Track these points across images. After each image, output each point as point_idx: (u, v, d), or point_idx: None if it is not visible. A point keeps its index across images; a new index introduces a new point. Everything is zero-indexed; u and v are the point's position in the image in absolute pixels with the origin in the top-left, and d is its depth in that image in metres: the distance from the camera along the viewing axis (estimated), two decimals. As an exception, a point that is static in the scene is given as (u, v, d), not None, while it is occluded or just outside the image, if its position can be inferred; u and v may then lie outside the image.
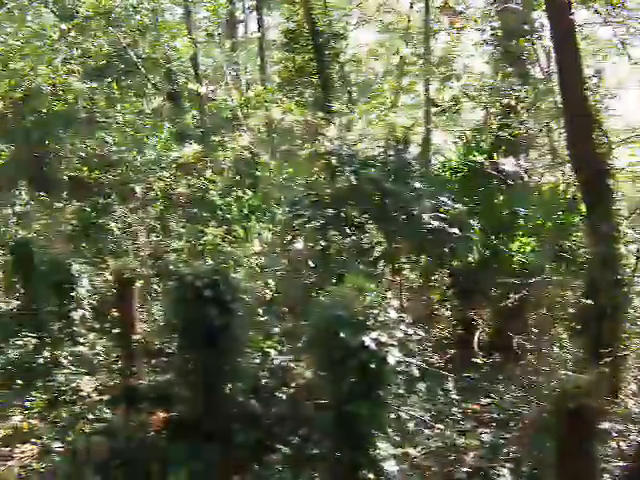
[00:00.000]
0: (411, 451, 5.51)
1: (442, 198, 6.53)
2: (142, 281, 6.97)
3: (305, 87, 16.77)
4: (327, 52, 16.15)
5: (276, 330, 6.60)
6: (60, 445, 6.08)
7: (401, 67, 17.59)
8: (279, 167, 10.63)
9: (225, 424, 5.53)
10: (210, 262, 6.84)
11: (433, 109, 14.03)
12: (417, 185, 6.34)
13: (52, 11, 17.93)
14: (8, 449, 6.19)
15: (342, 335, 4.05)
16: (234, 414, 5.66)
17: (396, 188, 5.90)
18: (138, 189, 10.60)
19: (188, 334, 5.41)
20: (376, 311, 4.22)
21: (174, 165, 11.14)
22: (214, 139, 12.63)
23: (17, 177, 13.23)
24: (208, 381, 5.48)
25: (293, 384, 6.35)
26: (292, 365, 6.45)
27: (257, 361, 6.35)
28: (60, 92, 15.18)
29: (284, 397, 6.12)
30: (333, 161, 7.03)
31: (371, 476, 4.51)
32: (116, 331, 7.38)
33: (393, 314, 4.30)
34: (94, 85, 16.73)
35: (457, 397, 6.47)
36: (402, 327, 4.40)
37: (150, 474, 5.35)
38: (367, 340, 4.08)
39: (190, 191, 10.47)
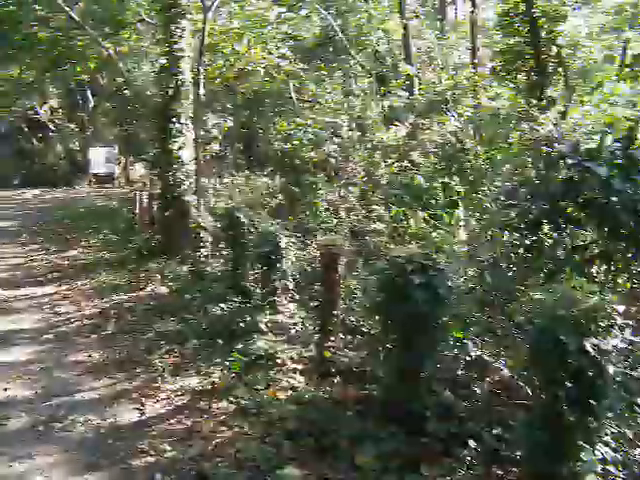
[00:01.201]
0: (612, 470, 5.10)
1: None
2: (345, 259, 7.04)
3: (519, 72, 16.16)
4: (544, 35, 15.40)
5: (476, 321, 6.42)
6: (253, 406, 6.33)
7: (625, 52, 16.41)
8: (488, 154, 10.32)
9: (418, 410, 5.44)
10: (414, 246, 6.77)
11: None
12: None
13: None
14: (206, 404, 6.56)
15: (562, 337, 3.80)
16: (427, 401, 5.54)
17: (624, 185, 5.44)
18: (344, 169, 10.79)
19: (392, 316, 5.39)
20: (599, 314, 3.91)
21: (380, 146, 11.21)
22: (421, 122, 12.54)
23: (229, 151, 14.07)
24: (406, 365, 5.42)
25: (489, 379, 6.15)
26: (489, 359, 6.24)
27: (454, 351, 6.20)
28: (272, 73, 15.84)
29: (479, 392, 5.93)
30: (550, 151, 6.68)
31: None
32: (316, 304, 7.58)
33: (618, 320, 3.96)
34: (305, 66, 17.30)
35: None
36: (626, 334, 4.05)
37: (337, 448, 5.39)
38: (587, 345, 3.80)
39: (395, 173, 10.49)
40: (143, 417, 6.48)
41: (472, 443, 5.14)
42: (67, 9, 15.60)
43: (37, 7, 16.31)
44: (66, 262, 14.46)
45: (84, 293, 11.41)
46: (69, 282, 12.46)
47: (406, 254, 5.33)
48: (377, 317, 5.99)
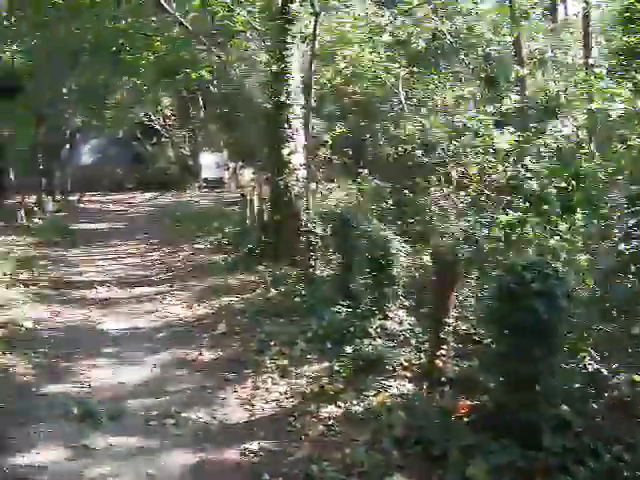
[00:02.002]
0: None
1: None
2: (458, 265, 6.90)
3: (638, 71, 15.39)
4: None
5: (596, 333, 6.13)
6: (361, 412, 6.30)
7: None
8: (606, 159, 9.87)
9: (532, 423, 5.25)
10: (529, 253, 6.57)
11: None
12: None
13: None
14: (315, 407, 6.57)
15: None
16: (543, 415, 5.34)
17: None
18: (454, 173, 10.61)
19: (508, 325, 5.22)
20: None
21: (491, 150, 10.94)
22: (534, 125, 12.17)
23: (339, 156, 14.17)
24: (521, 376, 5.24)
25: (607, 394, 5.86)
26: (608, 374, 5.95)
27: (571, 364, 5.95)
28: (381, 76, 15.81)
29: (597, 407, 5.66)
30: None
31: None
32: (426, 311, 7.48)
33: None
34: (414, 69, 17.18)
35: None
36: None
37: (447, 459, 5.28)
38: None
39: (506, 178, 10.22)
40: (252, 417, 6.58)
41: (590, 461, 4.91)
42: (180, 19, 16.13)
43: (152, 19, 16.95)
44: (178, 263, 14.96)
45: (196, 293, 11.74)
46: (181, 282, 12.87)
47: (524, 261, 5.16)
48: (492, 325, 5.82)
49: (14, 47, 23.41)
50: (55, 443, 6.02)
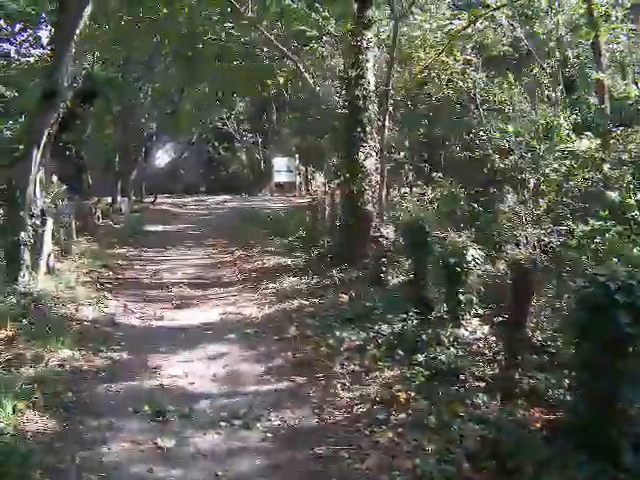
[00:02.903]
0: None
1: None
2: (536, 275, 6.72)
3: None
4: None
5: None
6: (433, 421, 6.17)
7: None
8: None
9: (612, 440, 5.04)
10: (611, 264, 6.32)
11: None
12: None
13: (453, 4, 18.48)
14: (385, 415, 6.48)
15: None
16: (624, 432, 5.12)
17: None
18: (532, 180, 10.36)
19: (590, 337, 5.04)
20: None
21: (570, 157, 10.64)
22: (615, 131, 11.79)
23: (412, 161, 14.06)
24: (602, 390, 5.04)
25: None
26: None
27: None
28: (457, 81, 15.61)
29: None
30: None
31: None
32: (500, 320, 7.30)
33: None
34: (491, 74, 16.90)
35: None
36: None
37: (521, 473, 5.12)
38: None
39: (586, 186, 9.92)
40: (322, 422, 6.54)
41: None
42: (258, 26, 16.31)
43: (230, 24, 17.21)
44: (250, 265, 15.10)
45: (267, 296, 11.81)
46: (253, 284, 12.98)
47: (609, 272, 4.96)
48: (571, 337, 5.63)
49: (95, 55, 24.21)
50: (126, 440, 6.12)
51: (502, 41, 16.20)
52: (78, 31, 11.18)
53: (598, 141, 11.16)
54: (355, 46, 12.85)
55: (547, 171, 10.46)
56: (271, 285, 12.38)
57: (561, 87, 16.51)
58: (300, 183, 36.78)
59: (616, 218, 8.31)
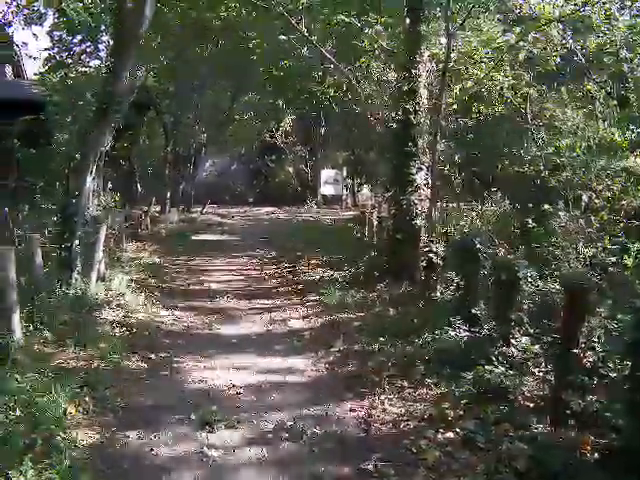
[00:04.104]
0: None
1: None
2: (589, 294, 6.59)
3: None
4: None
5: None
6: (481, 440, 6.10)
7: None
8: None
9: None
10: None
11: None
12: None
13: (498, 19, 18.32)
14: (433, 432, 6.42)
15: None
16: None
17: None
18: (585, 196, 10.19)
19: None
20: None
21: (624, 174, 10.43)
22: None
23: (462, 176, 14.00)
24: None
25: None
26: None
27: None
28: (508, 95, 15.49)
29: None
30: None
31: None
32: (551, 340, 7.18)
33: None
34: (543, 88, 16.71)
35: None
36: None
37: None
38: None
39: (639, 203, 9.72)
40: (368, 437, 6.52)
41: None
42: (312, 40, 16.44)
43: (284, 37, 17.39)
44: (296, 277, 15.16)
45: (313, 308, 11.85)
46: (299, 296, 13.03)
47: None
48: (626, 360, 5.51)
49: (149, 66, 24.71)
50: (173, 448, 6.18)
51: (554, 55, 15.99)
52: (135, 44, 11.43)
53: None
54: (408, 60, 12.86)
55: (600, 188, 10.27)
56: (318, 298, 12.40)
57: (615, 102, 16.22)
58: (347, 196, 36.84)
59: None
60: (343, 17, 14.73)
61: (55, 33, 17.89)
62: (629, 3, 16.45)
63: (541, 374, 7.24)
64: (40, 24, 17.57)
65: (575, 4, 13.28)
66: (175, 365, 8.67)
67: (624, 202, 10.34)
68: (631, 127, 13.09)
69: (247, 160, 41.53)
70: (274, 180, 40.98)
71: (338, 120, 32.56)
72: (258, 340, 10.07)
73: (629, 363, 5.52)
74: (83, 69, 17.95)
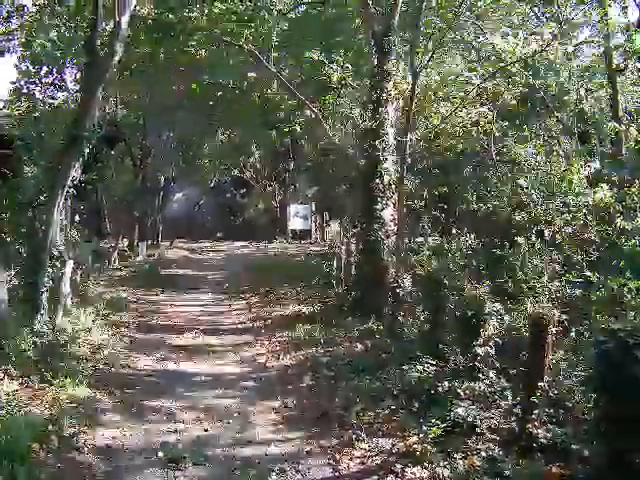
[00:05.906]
0: None
1: None
2: (554, 328, 6.70)
3: None
4: None
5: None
6: (449, 474, 6.13)
7: None
8: None
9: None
10: (634, 319, 6.30)
11: None
12: None
13: (463, 57, 18.76)
14: (401, 467, 6.43)
15: None
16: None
17: None
18: (546, 232, 10.40)
19: (609, 393, 5.01)
20: None
21: (585, 210, 10.66)
22: (629, 183, 11.79)
23: (424, 212, 14.19)
24: (622, 447, 4.99)
25: None
26: None
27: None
28: (471, 132, 15.76)
29: None
30: None
31: None
32: (517, 373, 7.27)
33: None
34: (505, 125, 17.03)
35: None
36: None
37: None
38: None
39: (601, 238, 9.93)
40: (336, 473, 6.52)
41: None
42: (278, 75, 16.62)
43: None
44: (265, 313, 15.12)
45: (282, 344, 11.81)
46: (268, 332, 12.99)
47: (628, 327, 4.97)
48: (590, 393, 5.61)
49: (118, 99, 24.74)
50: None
51: (516, 93, 16.37)
52: (105, 78, 11.44)
53: (612, 192, 11.15)
54: (375, 98, 13.08)
55: (561, 223, 10.49)
56: (286, 333, 12.36)
57: (576, 138, 16.61)
58: (315, 230, 36.97)
59: (634, 271, 8.28)
60: (311, 54, 14.95)
61: (21, 65, 17.82)
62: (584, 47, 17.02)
63: (508, 407, 7.29)
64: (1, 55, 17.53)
65: (540, 45, 13.65)
66: (140, 402, 8.58)
67: (585, 236, 10.55)
68: (589, 163, 13.42)
69: (216, 194, 41.50)
70: (244, 215, 41.00)
71: (306, 155, 32.78)
72: (226, 377, 10.01)
73: (593, 395, 5.61)
74: (50, 101, 17.84)
